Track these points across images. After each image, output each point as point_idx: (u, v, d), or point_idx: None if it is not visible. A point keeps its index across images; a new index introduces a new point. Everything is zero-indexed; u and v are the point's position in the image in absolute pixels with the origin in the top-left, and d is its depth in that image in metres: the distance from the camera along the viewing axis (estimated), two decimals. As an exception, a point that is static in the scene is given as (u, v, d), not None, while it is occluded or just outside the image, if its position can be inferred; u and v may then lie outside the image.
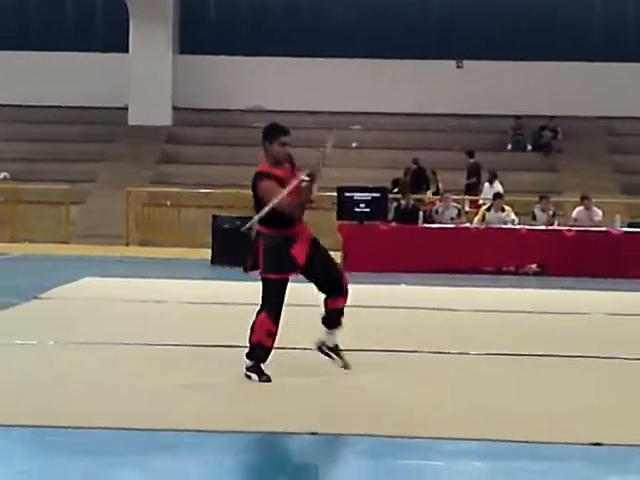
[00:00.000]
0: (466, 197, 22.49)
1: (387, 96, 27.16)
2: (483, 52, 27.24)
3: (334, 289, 7.49)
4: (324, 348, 7.59)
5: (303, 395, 6.95)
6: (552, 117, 26.41)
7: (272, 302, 7.27)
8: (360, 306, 11.89)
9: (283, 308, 7.35)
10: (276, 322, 7.27)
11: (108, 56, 27.62)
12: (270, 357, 7.36)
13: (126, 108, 27.21)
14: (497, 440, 5.86)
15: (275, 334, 7.28)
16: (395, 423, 6.17)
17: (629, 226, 18.37)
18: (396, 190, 20.89)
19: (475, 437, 5.91)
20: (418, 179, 22.79)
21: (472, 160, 23.74)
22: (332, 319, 7.50)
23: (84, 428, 5.92)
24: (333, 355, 7.59)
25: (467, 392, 7.15)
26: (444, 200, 18.81)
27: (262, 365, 7.28)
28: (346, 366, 7.56)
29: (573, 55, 26.98)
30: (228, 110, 27.36)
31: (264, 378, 7.21)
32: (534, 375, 7.90)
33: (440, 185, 22.51)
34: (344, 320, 7.56)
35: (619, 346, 9.40)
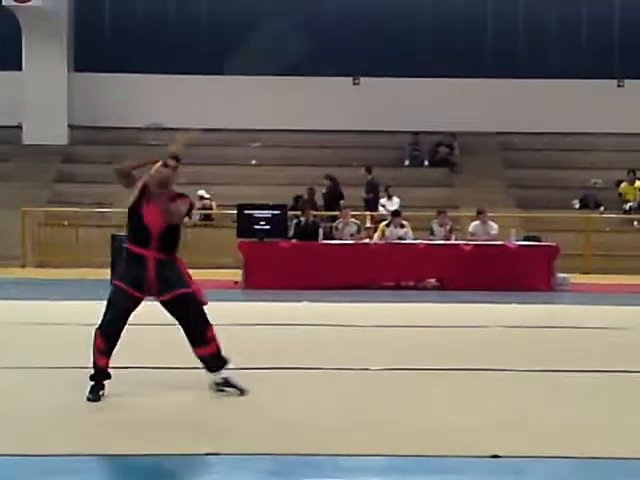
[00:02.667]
0: (366, 213, 22.64)
1: (287, 113, 27.24)
2: (380, 69, 27.52)
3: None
4: (217, 387, 7.54)
5: (197, 414, 6.90)
6: (451, 133, 26.80)
7: None
8: (261, 324, 11.95)
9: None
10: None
11: (1, 74, 27.13)
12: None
13: (20, 127, 26.74)
14: (395, 455, 5.90)
15: None
16: (294, 441, 6.17)
17: (524, 239, 18.73)
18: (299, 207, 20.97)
19: (375, 453, 5.94)
20: (332, 195, 22.95)
21: (370, 176, 23.95)
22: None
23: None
24: (228, 389, 7.53)
25: (368, 408, 7.18)
26: (343, 216, 18.91)
27: None
28: (242, 392, 7.50)
29: (469, 72, 27.41)
30: (125, 128, 27.07)
31: None
32: (436, 389, 7.98)
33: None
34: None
35: (516, 358, 9.55)
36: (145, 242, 7.27)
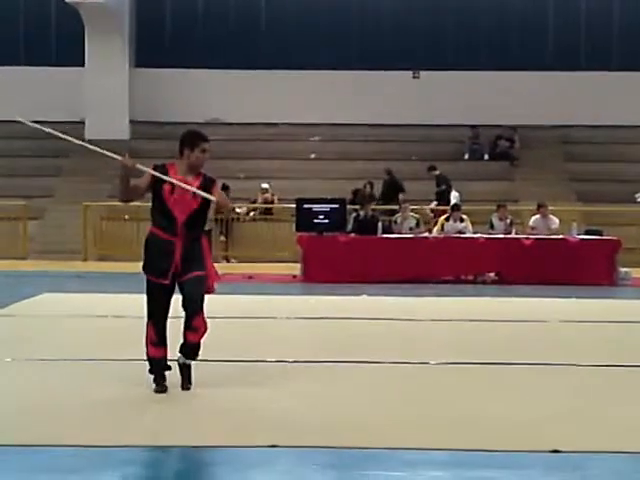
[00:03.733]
0: (438, 207, 22.39)
1: (345, 107, 27.28)
2: (440, 62, 27.44)
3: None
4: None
5: (258, 406, 6.95)
6: (511, 127, 26.64)
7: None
8: (322, 317, 11.99)
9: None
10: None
11: (64, 70, 27.49)
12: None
13: (83, 122, 27.07)
14: (456, 449, 5.89)
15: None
16: (358, 434, 6.18)
17: (585, 233, 18.56)
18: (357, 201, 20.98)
19: (437, 447, 5.94)
20: (390, 189, 22.94)
21: (437, 172, 23.76)
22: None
23: (43, 446, 5.88)
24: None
25: (428, 402, 7.17)
26: (402, 210, 18.88)
27: None
28: (185, 387, 7.38)
29: (529, 64, 27.24)
30: (186, 123, 27.21)
31: None
32: (495, 383, 7.95)
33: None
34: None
35: (576, 353, 9.49)
36: (172, 229, 7.22)
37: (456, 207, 19.11)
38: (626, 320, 12.26)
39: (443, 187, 23.34)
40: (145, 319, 7.41)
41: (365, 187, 22.61)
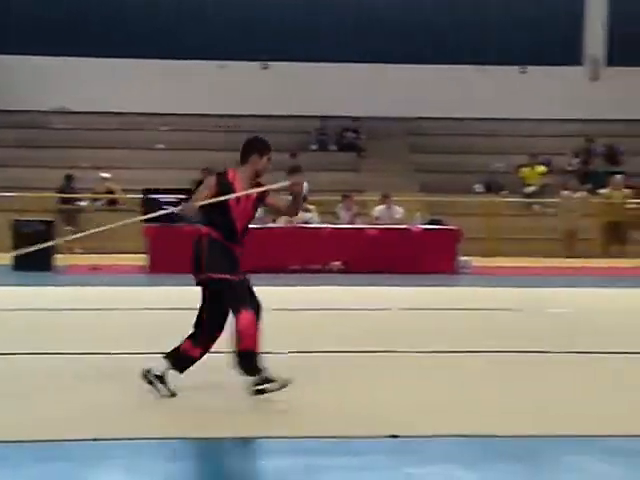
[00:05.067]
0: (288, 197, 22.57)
1: (194, 97, 27.18)
2: (288, 53, 27.61)
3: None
4: (149, 376, 7.13)
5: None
6: (357, 118, 27.04)
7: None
8: (166, 308, 11.98)
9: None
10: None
11: None
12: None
13: None
14: (295, 437, 6.02)
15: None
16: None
17: (428, 223, 19.04)
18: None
19: (273, 435, 6.07)
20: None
21: (293, 161, 23.94)
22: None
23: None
24: (158, 384, 7.10)
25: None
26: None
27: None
28: (170, 394, 7.11)
29: (375, 57, 27.66)
30: (32, 111, 26.72)
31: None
32: (337, 372, 8.12)
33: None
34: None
35: (416, 340, 9.77)
36: (234, 238, 7.22)
37: (303, 197, 19.29)
38: (465, 307, 12.68)
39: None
40: (241, 313, 6.97)
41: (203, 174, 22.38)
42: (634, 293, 14.91)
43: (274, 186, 7.39)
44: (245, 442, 6.12)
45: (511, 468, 5.58)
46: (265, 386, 6.89)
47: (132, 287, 14.87)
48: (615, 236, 22.05)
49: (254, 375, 6.91)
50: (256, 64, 27.97)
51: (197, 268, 7.18)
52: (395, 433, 6.06)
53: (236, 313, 6.98)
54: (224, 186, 7.25)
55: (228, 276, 7.09)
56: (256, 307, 7.15)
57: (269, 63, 28.02)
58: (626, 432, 6.22)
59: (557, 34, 28.23)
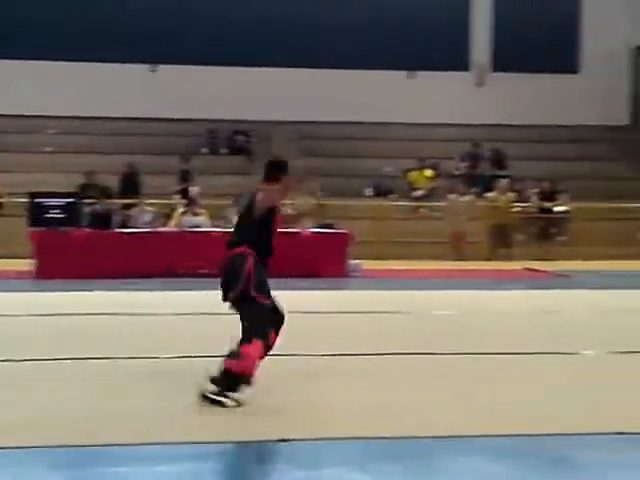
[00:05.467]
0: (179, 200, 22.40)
1: (84, 100, 26.81)
2: (178, 56, 27.45)
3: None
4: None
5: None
6: (249, 121, 27.03)
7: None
8: (53, 314, 11.80)
9: None
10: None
11: None
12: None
13: None
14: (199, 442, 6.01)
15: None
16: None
17: (319, 227, 19.13)
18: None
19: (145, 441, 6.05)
20: (128, 183, 22.77)
21: (185, 165, 23.93)
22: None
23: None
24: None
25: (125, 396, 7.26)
26: (138, 205, 18.80)
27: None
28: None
29: (267, 61, 27.70)
30: None
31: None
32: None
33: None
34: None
35: (306, 343, 9.81)
36: (268, 257, 7.33)
37: (192, 201, 19.23)
38: (355, 310, 12.78)
39: (187, 183, 23.48)
40: (256, 339, 6.99)
41: (87, 177, 22.14)
42: (519, 295, 15.24)
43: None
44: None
45: (399, 469, 5.65)
46: (222, 399, 6.88)
47: (18, 293, 14.59)
48: (501, 239, 22.51)
49: (225, 390, 6.89)
50: (145, 66, 27.74)
51: (233, 284, 7.14)
52: (285, 437, 6.09)
53: (253, 337, 7.00)
54: (249, 196, 7.45)
55: (266, 301, 7.18)
56: (279, 322, 7.32)
57: (158, 66, 27.82)
58: (511, 432, 6.36)
59: (444, 40, 28.70)
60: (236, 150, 27.04)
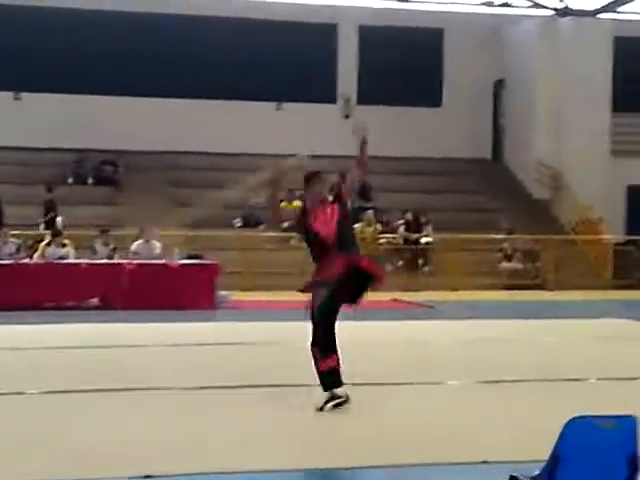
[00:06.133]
0: (44, 231, 21.95)
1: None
2: (44, 84, 27.03)
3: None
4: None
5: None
6: (116, 152, 26.76)
7: None
8: None
9: None
10: None
11: None
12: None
13: None
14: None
15: None
16: None
17: (187, 258, 19.06)
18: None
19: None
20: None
21: (50, 195, 23.55)
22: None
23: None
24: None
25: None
26: (2, 236, 18.39)
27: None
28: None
29: (134, 90, 27.52)
30: None
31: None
32: (80, 409, 8.00)
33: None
34: None
35: (174, 376, 9.75)
36: None
37: (57, 232, 18.92)
38: (223, 342, 12.75)
39: (52, 214, 23.09)
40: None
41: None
42: (387, 325, 15.45)
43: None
44: None
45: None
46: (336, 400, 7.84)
47: None
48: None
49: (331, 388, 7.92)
50: (9, 94, 27.21)
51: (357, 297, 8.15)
52: (149, 473, 6.03)
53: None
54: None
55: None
56: None
57: (22, 94, 27.32)
58: (374, 463, 6.41)
59: (313, 72, 29.06)
60: (103, 180, 26.70)
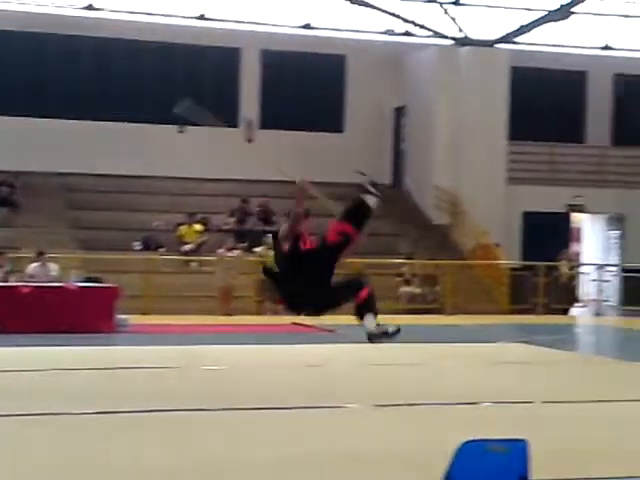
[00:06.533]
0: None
1: None
2: None
3: None
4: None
5: None
6: (13, 172, 26.35)
7: None
8: None
9: None
10: None
11: None
12: None
13: None
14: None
15: None
16: None
17: (85, 281, 18.84)
18: None
19: None
20: None
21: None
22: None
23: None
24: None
25: None
26: None
27: None
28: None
29: (32, 111, 27.19)
30: None
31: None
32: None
33: None
34: None
35: (67, 402, 9.62)
36: None
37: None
38: (121, 366, 12.62)
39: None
40: None
41: None
42: (287, 350, 15.49)
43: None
44: None
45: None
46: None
47: None
48: (269, 294, 22.79)
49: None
50: None
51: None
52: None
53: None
54: None
55: None
56: None
57: None
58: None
59: (215, 96, 29.06)
60: (0, 201, 26.25)
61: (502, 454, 4.88)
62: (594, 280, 26.65)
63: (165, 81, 28.74)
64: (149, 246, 25.01)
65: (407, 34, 29.97)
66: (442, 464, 4.91)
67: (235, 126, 29.24)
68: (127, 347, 15.56)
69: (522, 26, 29.61)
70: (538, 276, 25.40)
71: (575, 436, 8.34)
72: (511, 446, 4.96)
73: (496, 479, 4.86)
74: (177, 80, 28.75)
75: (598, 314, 25.63)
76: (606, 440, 8.16)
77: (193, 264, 24.55)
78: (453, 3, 29.05)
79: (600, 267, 27.47)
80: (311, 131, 29.38)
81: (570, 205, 29.38)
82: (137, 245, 25.03)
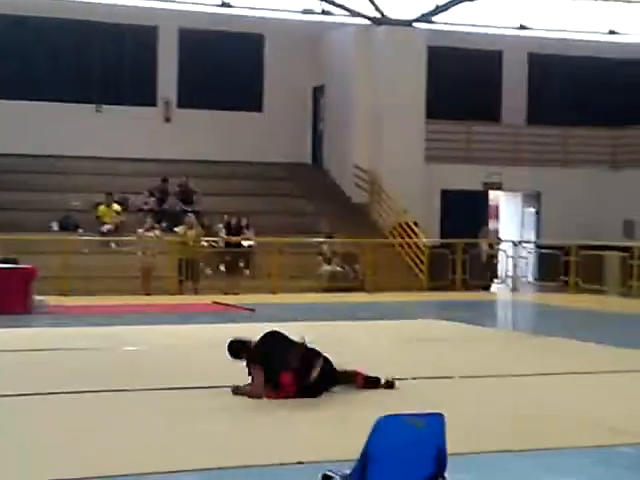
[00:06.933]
0: None
1: None
2: None
3: None
4: None
5: None
6: None
7: None
8: None
9: None
10: None
11: None
12: None
13: None
14: None
15: None
16: None
17: (2, 262, 18.53)
18: None
19: None
20: None
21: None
22: None
23: None
24: None
25: None
26: None
27: None
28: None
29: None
30: None
31: None
32: None
33: None
34: None
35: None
36: None
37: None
38: (39, 348, 12.49)
39: None
40: None
41: None
42: (207, 329, 15.47)
43: None
44: None
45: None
46: None
47: None
48: (189, 273, 22.73)
49: None
50: None
51: None
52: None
53: None
54: None
55: None
56: None
57: None
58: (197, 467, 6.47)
59: (133, 75, 28.80)
60: None
61: (419, 428, 4.95)
62: (511, 257, 27.03)
63: (82, 59, 28.34)
64: (66, 227, 24.65)
65: (325, 13, 29.97)
66: (361, 440, 4.95)
67: (153, 105, 29.08)
68: (45, 329, 15.37)
69: (439, 6, 29.79)
70: (457, 253, 25.69)
71: (492, 412, 8.49)
72: (428, 420, 5.03)
73: (413, 452, 4.93)
74: (94, 58, 28.36)
75: (515, 290, 26.04)
76: (521, 414, 8.33)
77: (112, 244, 24.29)
78: (371, -18, 29.09)
79: (517, 244, 27.87)
80: (230, 110, 29.23)
81: (487, 183, 29.73)
82: (54, 225, 24.66)
